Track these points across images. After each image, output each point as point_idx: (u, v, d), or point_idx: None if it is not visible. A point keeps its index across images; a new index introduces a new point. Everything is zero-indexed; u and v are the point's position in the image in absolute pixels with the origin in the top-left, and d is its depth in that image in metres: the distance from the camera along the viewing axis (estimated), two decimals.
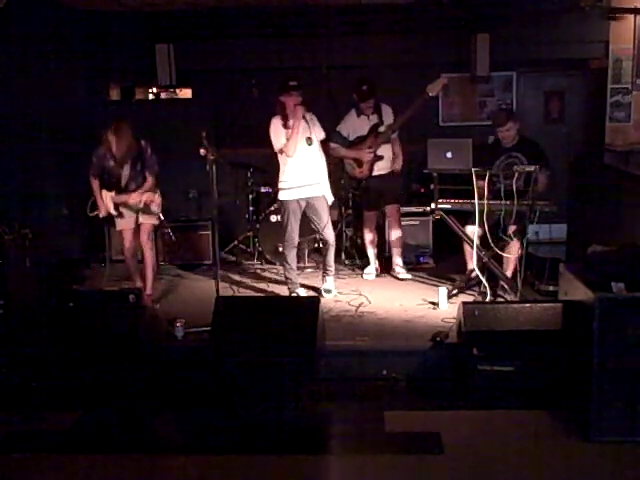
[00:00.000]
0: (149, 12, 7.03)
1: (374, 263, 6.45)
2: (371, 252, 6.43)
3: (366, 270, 6.42)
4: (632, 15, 6.58)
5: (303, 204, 5.64)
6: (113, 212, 5.59)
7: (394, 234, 6.36)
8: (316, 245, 6.67)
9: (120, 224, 5.70)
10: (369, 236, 6.39)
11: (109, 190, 5.55)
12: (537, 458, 3.58)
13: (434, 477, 3.52)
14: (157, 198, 5.61)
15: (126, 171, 5.50)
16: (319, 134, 5.66)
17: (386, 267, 6.52)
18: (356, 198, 6.64)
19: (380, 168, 6.12)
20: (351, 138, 6.11)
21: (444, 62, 7.44)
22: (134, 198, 5.49)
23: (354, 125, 6.11)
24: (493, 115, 6.08)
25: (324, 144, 5.81)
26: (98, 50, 7.30)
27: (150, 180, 5.53)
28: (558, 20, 7.00)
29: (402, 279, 6.22)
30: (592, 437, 3.69)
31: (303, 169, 5.55)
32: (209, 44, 7.41)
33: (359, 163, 6.12)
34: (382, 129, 6.04)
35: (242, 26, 7.26)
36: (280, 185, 5.62)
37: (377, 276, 6.40)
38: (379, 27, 7.21)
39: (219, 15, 7.17)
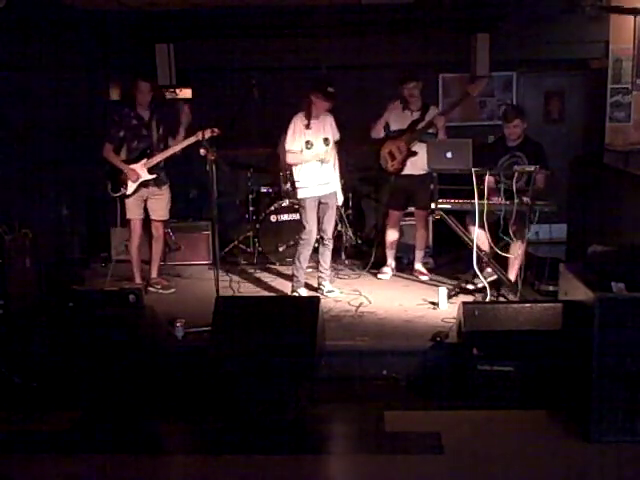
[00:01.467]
0: (149, 12, 7.02)
1: (391, 263, 6.43)
2: (390, 252, 6.41)
3: (382, 269, 6.39)
4: (632, 15, 6.57)
5: (318, 202, 5.69)
6: (150, 176, 5.67)
7: (420, 237, 6.35)
8: (316, 245, 6.66)
9: (132, 212, 5.79)
10: (391, 236, 6.35)
11: (137, 162, 5.59)
12: (537, 458, 3.58)
13: (434, 477, 3.52)
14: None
15: (154, 134, 5.54)
16: (335, 135, 5.70)
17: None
18: (382, 196, 6.65)
19: (414, 167, 6.06)
20: (392, 129, 6.10)
21: (444, 62, 7.44)
22: (168, 152, 5.63)
23: (397, 117, 6.09)
24: (503, 110, 6.06)
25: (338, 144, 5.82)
26: (98, 50, 7.31)
27: (182, 132, 5.61)
28: (558, 20, 7.00)
29: (423, 281, 6.21)
30: (592, 437, 3.68)
31: (320, 168, 5.60)
32: (209, 44, 7.41)
33: (392, 157, 6.10)
34: (420, 126, 6.03)
35: (242, 26, 7.25)
36: (298, 184, 5.66)
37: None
38: (379, 27, 7.21)
39: (219, 15, 7.16)
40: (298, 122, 5.56)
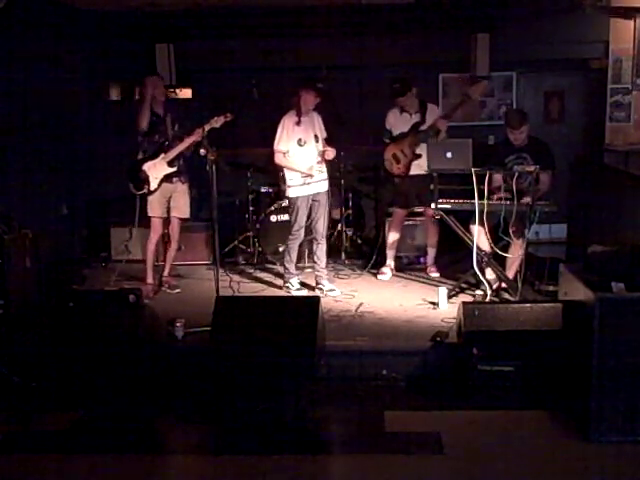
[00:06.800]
0: (149, 12, 7.02)
1: (390, 264, 6.42)
2: (390, 252, 6.41)
3: (382, 270, 6.38)
4: (631, 20, 6.56)
5: (309, 200, 5.74)
6: (171, 169, 5.70)
7: (432, 234, 6.35)
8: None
9: (155, 210, 5.79)
10: (393, 235, 6.37)
11: (154, 158, 5.66)
12: (537, 458, 3.58)
13: (434, 477, 3.52)
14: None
15: (169, 129, 5.62)
16: (323, 133, 5.78)
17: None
18: (385, 196, 6.67)
19: (418, 168, 6.04)
20: (394, 134, 6.14)
21: (444, 62, 7.44)
22: (186, 142, 5.60)
23: (396, 121, 6.14)
24: (506, 115, 5.96)
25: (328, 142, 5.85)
26: (98, 50, 7.31)
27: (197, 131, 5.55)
28: (558, 20, 7.00)
29: (424, 281, 6.21)
30: (592, 437, 3.69)
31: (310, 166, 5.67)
32: (209, 44, 7.41)
33: (397, 160, 6.12)
34: (422, 128, 6.03)
35: (242, 26, 7.25)
36: (289, 182, 5.73)
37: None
38: (379, 27, 7.21)
39: (219, 15, 7.16)
40: (288, 120, 5.65)
